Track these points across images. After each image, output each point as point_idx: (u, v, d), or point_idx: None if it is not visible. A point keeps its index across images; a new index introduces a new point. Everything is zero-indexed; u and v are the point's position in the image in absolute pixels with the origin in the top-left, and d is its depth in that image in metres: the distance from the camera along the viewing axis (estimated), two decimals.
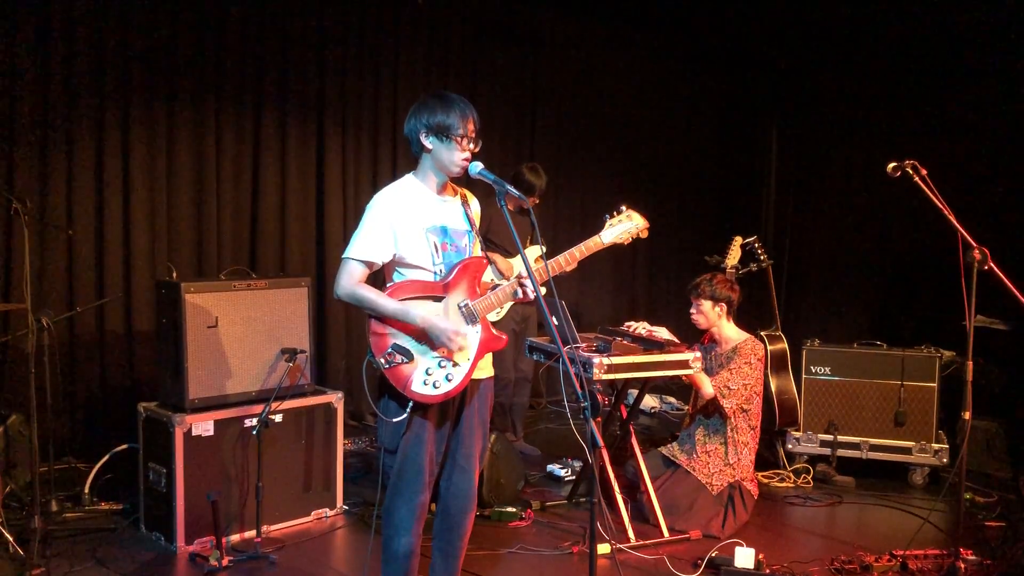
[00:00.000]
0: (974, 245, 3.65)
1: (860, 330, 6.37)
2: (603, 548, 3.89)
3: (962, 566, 3.74)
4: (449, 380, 2.92)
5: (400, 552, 2.96)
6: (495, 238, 5.22)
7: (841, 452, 5.24)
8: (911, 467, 5.20)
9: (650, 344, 4.27)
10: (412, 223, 2.92)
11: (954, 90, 6.42)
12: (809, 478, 5.17)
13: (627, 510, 4.26)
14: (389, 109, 6.29)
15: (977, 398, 3.79)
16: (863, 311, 7.16)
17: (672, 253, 7.95)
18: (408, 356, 2.88)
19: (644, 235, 3.27)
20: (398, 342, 2.89)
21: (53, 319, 4.27)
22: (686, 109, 8.04)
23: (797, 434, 5.32)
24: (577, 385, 2.60)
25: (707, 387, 4.35)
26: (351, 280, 2.89)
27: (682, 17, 7.43)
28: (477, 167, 2.91)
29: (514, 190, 2.87)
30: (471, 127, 2.91)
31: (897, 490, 5.06)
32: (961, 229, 3.70)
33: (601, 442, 2.69)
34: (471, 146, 2.92)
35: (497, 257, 5.19)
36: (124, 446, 4.56)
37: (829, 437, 5.25)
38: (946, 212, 3.73)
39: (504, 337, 3.06)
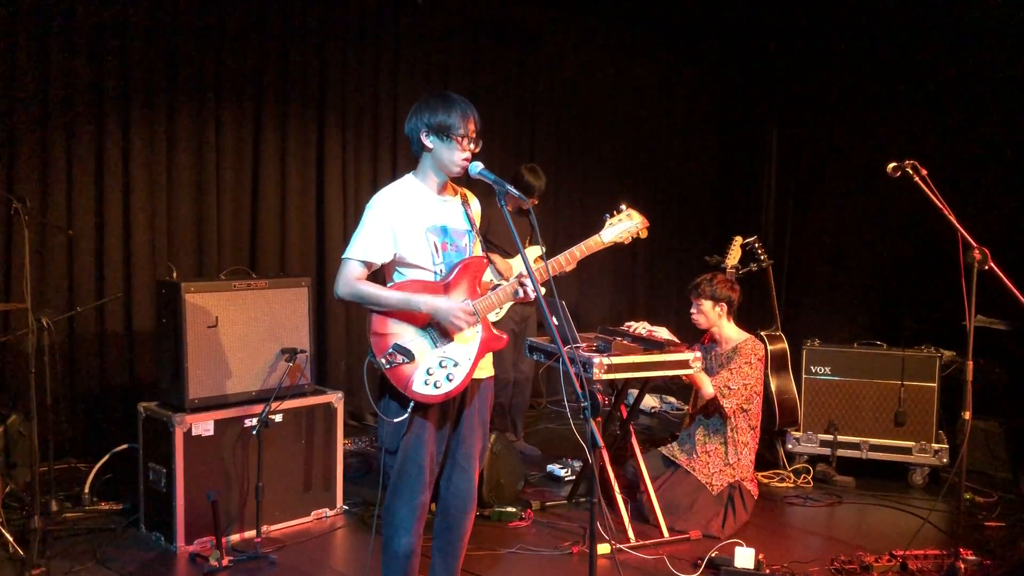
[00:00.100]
0: (974, 245, 3.65)
1: (860, 330, 6.35)
2: (603, 548, 3.89)
3: (962, 566, 3.74)
4: (450, 380, 2.92)
5: (400, 552, 2.96)
6: (494, 238, 5.22)
7: (841, 452, 5.24)
8: (911, 467, 5.20)
9: (650, 344, 4.27)
10: (412, 223, 2.92)
11: (954, 90, 6.41)
12: (809, 478, 5.17)
13: (627, 510, 4.26)
14: (389, 109, 6.29)
15: (977, 398, 3.79)
16: (863, 311, 7.16)
17: (672, 253, 7.95)
18: (409, 356, 2.88)
19: (644, 234, 3.27)
20: (399, 342, 2.89)
21: (53, 319, 4.28)
22: (686, 109, 8.04)
23: (797, 434, 5.32)
24: (577, 385, 2.60)
25: (707, 387, 4.35)
26: (351, 279, 2.89)
27: (682, 17, 7.43)
28: (477, 167, 2.91)
29: (514, 190, 2.87)
30: (472, 127, 2.91)
31: (897, 490, 5.06)
32: (961, 229, 3.70)
33: (601, 442, 2.69)
34: (471, 146, 2.92)
35: (496, 257, 5.18)
36: (124, 446, 4.57)
37: (829, 437, 5.25)
38: (946, 212, 3.73)
39: (504, 337, 3.06)
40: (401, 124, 3.10)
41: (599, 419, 4.10)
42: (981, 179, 6.10)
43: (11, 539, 3.70)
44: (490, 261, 3.10)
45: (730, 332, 4.56)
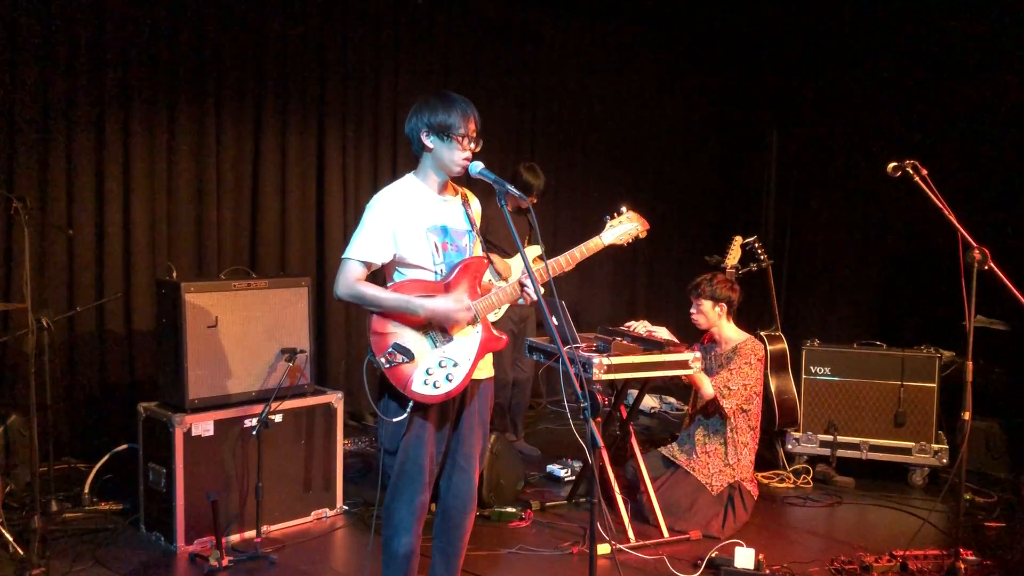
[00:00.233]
0: (974, 245, 3.65)
1: (860, 330, 6.35)
2: (603, 548, 3.89)
3: (962, 566, 3.73)
4: (449, 380, 2.91)
5: (400, 552, 2.96)
6: (493, 238, 5.21)
7: (841, 452, 5.24)
8: (911, 467, 5.20)
9: (650, 344, 4.27)
10: (412, 223, 2.92)
11: (954, 90, 6.41)
12: (809, 478, 5.17)
13: (627, 510, 4.26)
14: (389, 109, 6.29)
15: (977, 398, 3.79)
16: (863, 311, 7.16)
17: (672, 253, 7.95)
18: (409, 356, 2.88)
19: (644, 236, 3.28)
20: (399, 342, 2.88)
21: (53, 319, 4.28)
22: (686, 109, 8.03)
23: (797, 434, 5.32)
24: (577, 385, 2.60)
25: (707, 387, 4.35)
26: (350, 280, 2.89)
27: (682, 17, 7.43)
28: (478, 167, 2.91)
29: (515, 190, 2.87)
30: (472, 126, 2.91)
31: (897, 490, 5.06)
32: (961, 229, 3.70)
33: (601, 442, 2.69)
34: (472, 146, 2.92)
35: (495, 258, 5.18)
36: (124, 446, 4.57)
37: (829, 437, 5.25)
38: (946, 212, 3.73)
39: (504, 338, 3.06)
40: (401, 124, 3.10)
41: (599, 419, 4.10)
42: (981, 179, 6.10)
43: (11, 539, 3.70)
44: (490, 261, 3.10)
45: (730, 332, 4.56)
